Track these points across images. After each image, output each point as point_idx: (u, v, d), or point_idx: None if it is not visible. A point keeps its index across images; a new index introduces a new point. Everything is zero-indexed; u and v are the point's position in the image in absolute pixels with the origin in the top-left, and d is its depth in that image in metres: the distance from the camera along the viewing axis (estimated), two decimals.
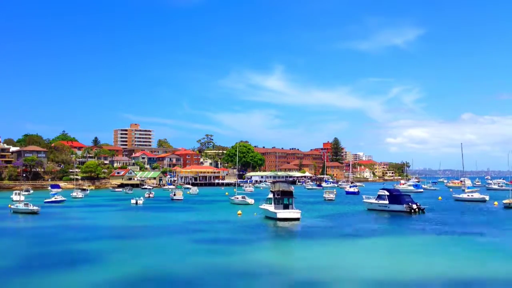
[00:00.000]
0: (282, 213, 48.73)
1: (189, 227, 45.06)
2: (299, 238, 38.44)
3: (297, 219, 48.63)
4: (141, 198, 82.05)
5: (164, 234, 40.50)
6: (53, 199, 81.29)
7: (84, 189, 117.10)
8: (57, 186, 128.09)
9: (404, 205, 57.83)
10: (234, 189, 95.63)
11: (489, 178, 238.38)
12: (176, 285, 22.91)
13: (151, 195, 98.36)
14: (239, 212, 57.36)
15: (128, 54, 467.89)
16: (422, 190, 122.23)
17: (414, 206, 57.58)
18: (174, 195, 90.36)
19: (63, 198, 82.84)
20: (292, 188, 54.02)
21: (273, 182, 58.48)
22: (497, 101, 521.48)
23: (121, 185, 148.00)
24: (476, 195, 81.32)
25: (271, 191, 52.89)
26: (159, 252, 31.29)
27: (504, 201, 67.01)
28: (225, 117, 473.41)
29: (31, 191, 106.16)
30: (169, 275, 24.69)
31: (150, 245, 34.59)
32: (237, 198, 76.85)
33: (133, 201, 78.76)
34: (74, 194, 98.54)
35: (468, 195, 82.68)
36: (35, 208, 59.78)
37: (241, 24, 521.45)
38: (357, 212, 60.62)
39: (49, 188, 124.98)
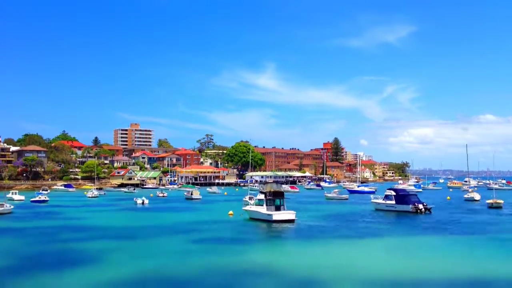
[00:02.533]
0: (277, 215, 46.94)
1: (185, 227, 45.03)
2: (299, 238, 38.21)
3: (292, 220, 47.21)
4: (144, 198, 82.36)
5: (163, 234, 40.48)
6: (37, 198, 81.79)
7: (100, 189, 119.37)
8: (70, 186, 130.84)
9: (410, 205, 58.12)
10: (236, 189, 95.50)
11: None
12: (175, 285, 22.86)
13: (165, 195, 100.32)
14: (231, 212, 56.94)
15: (121, 53, 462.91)
16: (421, 190, 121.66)
17: (420, 206, 57.79)
18: (191, 194, 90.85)
19: (47, 198, 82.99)
20: (282, 188, 52.74)
21: (264, 183, 57.15)
22: (494, 101, 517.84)
23: (121, 185, 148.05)
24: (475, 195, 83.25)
25: (262, 192, 51.05)
26: (158, 252, 31.22)
27: (488, 201, 68.86)
28: (220, 116, 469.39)
29: (48, 191, 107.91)
30: (168, 275, 24.66)
31: (148, 245, 34.53)
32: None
33: (139, 201, 78.42)
34: (90, 194, 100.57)
35: (468, 195, 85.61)
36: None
37: (231, 21, 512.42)
38: (364, 212, 60.55)
39: (63, 187, 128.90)
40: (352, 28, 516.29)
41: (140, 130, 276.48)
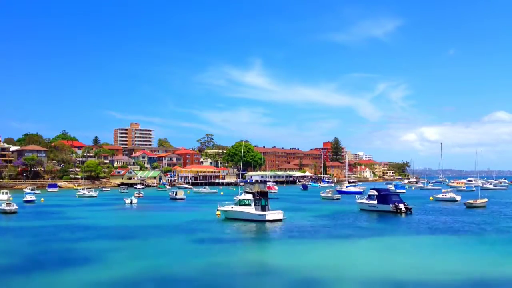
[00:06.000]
0: (270, 215, 47.25)
1: (179, 227, 44.82)
2: (290, 238, 38.05)
3: (281, 220, 47.72)
4: (133, 197, 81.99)
5: (161, 233, 40.44)
6: (27, 198, 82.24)
7: (90, 188, 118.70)
8: (55, 186, 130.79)
9: (391, 205, 57.70)
10: (234, 189, 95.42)
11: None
12: (175, 285, 22.88)
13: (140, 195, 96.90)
14: (218, 212, 56.26)
15: (108, 51, 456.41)
16: (404, 190, 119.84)
17: (401, 206, 56.90)
18: (176, 194, 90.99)
19: (33, 198, 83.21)
20: (267, 189, 52.16)
21: (252, 183, 56.79)
22: (491, 99, 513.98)
23: (121, 184, 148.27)
24: (450, 195, 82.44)
25: (248, 192, 50.69)
26: (157, 252, 31.24)
27: (467, 202, 68.19)
28: (212, 115, 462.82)
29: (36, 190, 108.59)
30: (167, 275, 24.65)
31: (146, 245, 34.56)
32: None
33: (127, 200, 78.07)
34: (83, 193, 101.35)
35: (444, 195, 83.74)
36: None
37: (213, 16, 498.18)
38: (348, 212, 59.99)
39: (46, 187, 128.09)
40: (337, 22, 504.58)
41: (140, 130, 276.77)
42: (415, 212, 57.48)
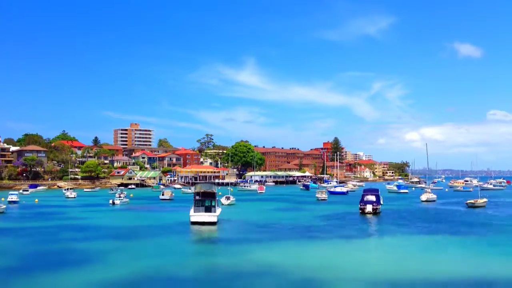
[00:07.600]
0: (194, 217, 44.50)
1: (179, 228, 44.86)
2: (294, 238, 38.13)
3: (213, 223, 44.10)
4: (118, 198, 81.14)
5: (160, 234, 40.43)
6: (8, 198, 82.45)
7: (72, 189, 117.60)
8: (35, 186, 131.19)
9: (359, 206, 57.75)
10: (231, 189, 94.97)
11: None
12: (174, 285, 22.87)
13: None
14: None
15: (100, 50, 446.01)
16: (407, 190, 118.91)
17: (368, 208, 56.15)
18: (163, 194, 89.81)
19: (17, 199, 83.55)
20: (215, 189, 48.84)
21: (195, 183, 55.27)
22: (492, 99, 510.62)
23: (121, 185, 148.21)
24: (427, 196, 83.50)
25: (194, 193, 48.67)
26: (157, 252, 31.23)
27: (468, 201, 69.23)
28: (207, 115, 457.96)
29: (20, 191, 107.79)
30: (167, 275, 24.66)
31: (145, 245, 34.54)
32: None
33: (110, 201, 77.61)
34: (69, 194, 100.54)
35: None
36: None
37: (203, 13, 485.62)
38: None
39: (27, 188, 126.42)
40: (329, 19, 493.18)
41: (140, 130, 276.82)
42: (388, 214, 57.42)
